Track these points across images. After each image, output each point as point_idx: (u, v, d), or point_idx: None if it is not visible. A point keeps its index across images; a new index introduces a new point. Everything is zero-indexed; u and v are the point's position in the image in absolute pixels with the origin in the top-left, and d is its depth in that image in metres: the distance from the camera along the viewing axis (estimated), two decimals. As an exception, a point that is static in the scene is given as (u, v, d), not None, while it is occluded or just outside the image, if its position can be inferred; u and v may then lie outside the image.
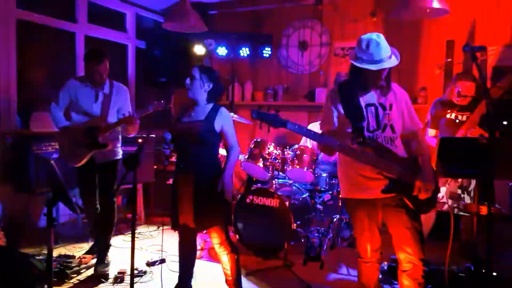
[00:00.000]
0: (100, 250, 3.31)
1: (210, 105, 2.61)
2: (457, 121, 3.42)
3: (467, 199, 3.31)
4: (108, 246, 3.37)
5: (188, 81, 2.56)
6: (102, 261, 3.24)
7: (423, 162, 2.28)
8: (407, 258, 2.27)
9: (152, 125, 5.73)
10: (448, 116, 3.47)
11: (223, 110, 2.61)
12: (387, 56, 2.18)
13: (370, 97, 2.29)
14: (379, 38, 2.19)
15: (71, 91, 3.26)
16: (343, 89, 2.30)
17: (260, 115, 2.06)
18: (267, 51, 5.25)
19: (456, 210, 3.31)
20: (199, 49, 5.28)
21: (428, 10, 2.96)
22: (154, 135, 4.45)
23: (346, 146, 2.14)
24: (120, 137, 3.45)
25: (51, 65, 4.68)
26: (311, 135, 2.12)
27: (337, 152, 2.36)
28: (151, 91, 5.53)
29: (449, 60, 4.31)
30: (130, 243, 3.88)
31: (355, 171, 2.28)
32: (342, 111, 2.26)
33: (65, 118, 3.33)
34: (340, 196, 2.50)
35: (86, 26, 4.76)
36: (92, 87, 3.26)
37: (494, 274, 2.89)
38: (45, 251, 3.38)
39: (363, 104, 2.26)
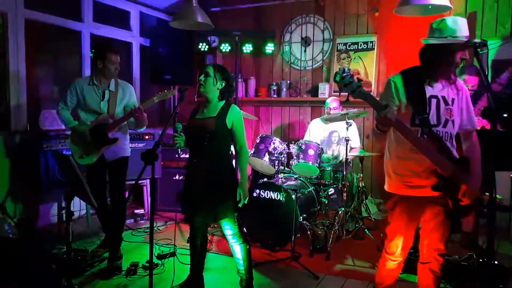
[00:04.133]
0: (112, 244, 3.39)
1: (222, 102, 2.69)
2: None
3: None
4: (120, 240, 3.46)
5: (202, 77, 2.63)
6: (114, 254, 3.32)
7: (474, 166, 2.17)
8: (431, 252, 2.28)
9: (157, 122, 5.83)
10: None
11: (235, 107, 2.69)
12: (461, 34, 2.04)
13: (434, 89, 2.16)
14: (457, 18, 2.12)
15: (78, 91, 3.34)
16: (408, 77, 2.17)
17: (344, 80, 1.89)
18: (270, 47, 5.31)
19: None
20: (203, 46, 5.35)
21: (430, 7, 3.03)
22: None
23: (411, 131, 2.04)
24: (128, 134, 3.53)
25: (58, 64, 4.76)
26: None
27: (387, 146, 2.30)
28: (155, 89, 5.60)
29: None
30: (139, 237, 4.03)
31: (406, 167, 2.19)
32: (404, 99, 2.15)
33: (73, 117, 3.40)
34: (385, 189, 2.34)
35: (92, 24, 4.83)
36: (98, 86, 3.34)
37: (496, 262, 2.99)
38: (59, 246, 3.50)
39: (427, 95, 2.14)
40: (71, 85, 3.37)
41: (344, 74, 1.90)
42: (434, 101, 2.14)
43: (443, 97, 2.16)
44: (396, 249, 2.29)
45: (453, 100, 2.18)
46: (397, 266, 2.35)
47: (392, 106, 2.12)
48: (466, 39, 2.03)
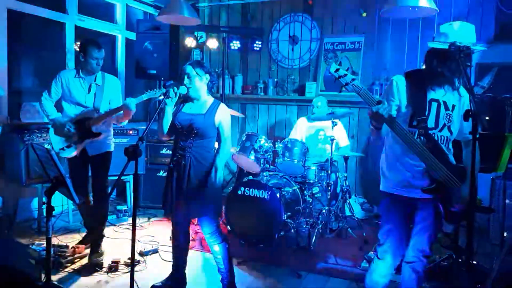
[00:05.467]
0: (94, 240, 3.35)
1: (210, 100, 2.69)
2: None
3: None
4: (101, 236, 3.41)
5: (186, 80, 2.60)
6: (96, 250, 3.28)
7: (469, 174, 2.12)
8: (417, 252, 2.28)
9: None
10: None
11: (223, 105, 2.69)
12: (467, 40, 2.03)
13: (436, 92, 2.16)
14: (465, 24, 2.11)
15: (63, 83, 3.28)
16: (411, 78, 2.18)
17: (339, 72, 1.92)
18: (258, 45, 5.29)
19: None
20: (189, 42, 5.30)
21: (416, 9, 3.06)
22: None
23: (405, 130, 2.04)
24: (112, 129, 3.48)
25: (40, 55, 4.65)
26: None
27: (384, 145, 2.29)
28: (140, 83, 5.53)
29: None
30: (122, 233, 3.98)
31: (401, 167, 2.19)
32: (404, 100, 2.16)
33: (57, 109, 3.34)
34: (380, 189, 2.32)
35: (76, 16, 4.73)
36: (84, 79, 3.28)
37: (474, 262, 3.06)
38: (38, 241, 3.44)
39: (428, 98, 2.15)
40: (56, 76, 3.30)
41: (339, 66, 1.92)
42: (434, 104, 2.15)
43: (444, 102, 2.16)
44: (388, 255, 2.27)
45: (453, 106, 2.19)
46: (388, 272, 2.33)
47: (391, 104, 2.14)
48: (473, 46, 2.03)
